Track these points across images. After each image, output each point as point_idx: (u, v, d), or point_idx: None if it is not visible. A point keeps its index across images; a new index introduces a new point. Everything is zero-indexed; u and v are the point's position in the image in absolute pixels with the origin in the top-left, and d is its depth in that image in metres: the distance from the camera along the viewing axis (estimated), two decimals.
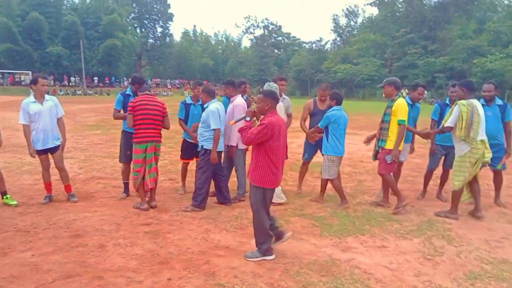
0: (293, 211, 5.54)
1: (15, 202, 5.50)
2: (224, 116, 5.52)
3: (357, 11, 68.72)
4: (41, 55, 50.45)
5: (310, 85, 57.67)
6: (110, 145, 11.01)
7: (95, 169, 7.99)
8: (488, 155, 5.19)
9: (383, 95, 5.83)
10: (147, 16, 68.56)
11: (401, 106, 5.35)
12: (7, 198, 5.52)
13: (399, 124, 5.34)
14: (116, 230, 4.68)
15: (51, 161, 5.72)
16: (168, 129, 5.64)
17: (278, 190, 5.68)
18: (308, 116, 6.36)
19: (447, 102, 6.18)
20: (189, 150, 6.12)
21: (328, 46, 66.53)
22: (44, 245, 4.16)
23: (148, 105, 5.28)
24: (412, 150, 6.51)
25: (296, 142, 11.54)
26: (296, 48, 72.44)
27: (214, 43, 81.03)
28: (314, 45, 62.51)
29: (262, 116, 3.96)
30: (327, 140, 5.66)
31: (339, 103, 5.69)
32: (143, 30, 68.85)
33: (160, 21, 69.19)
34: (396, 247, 4.41)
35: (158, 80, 61.47)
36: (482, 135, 5.12)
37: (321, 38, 66.12)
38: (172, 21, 70.14)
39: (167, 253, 4.07)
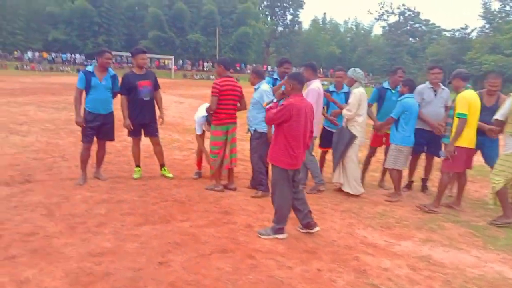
0: (445, 216, 4.98)
1: (171, 175, 6.03)
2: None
3: None
4: (182, 41, 55.42)
5: (449, 77, 52.27)
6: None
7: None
8: None
9: (453, 89, 5.29)
10: (279, 4, 69.78)
11: (461, 98, 4.94)
12: (165, 170, 6.09)
13: (457, 117, 4.89)
14: (260, 212, 4.79)
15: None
16: (245, 109, 5.60)
17: (356, 179, 5.45)
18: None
19: (386, 86, 6.04)
20: (328, 138, 5.94)
21: (473, 34, 59.19)
22: (199, 218, 4.46)
23: (231, 88, 5.23)
24: None
25: None
26: (435, 36, 66.06)
27: (343, 31, 78.86)
28: (457, 33, 56.26)
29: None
30: (396, 129, 5.45)
31: (411, 90, 5.49)
32: (274, 18, 70.37)
33: (291, 9, 69.82)
34: None
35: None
36: None
37: (466, 26, 58.79)
38: (302, 8, 70.23)
39: (313, 242, 4.00)
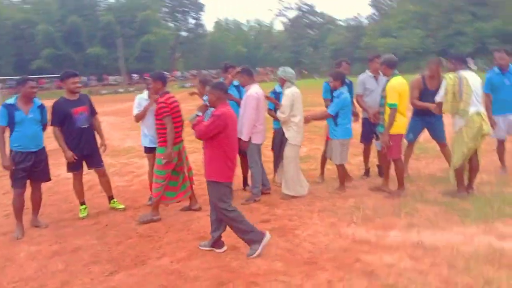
0: (414, 198, 5.09)
1: (122, 206, 5.40)
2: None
3: None
4: (82, 57, 51.75)
5: (350, 63, 55.92)
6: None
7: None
8: (486, 127, 4.85)
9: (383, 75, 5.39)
10: (179, 8, 68.64)
11: (390, 88, 5.01)
12: (114, 202, 5.43)
13: (388, 107, 4.99)
14: None
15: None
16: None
17: (295, 181, 5.35)
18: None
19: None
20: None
21: (365, 21, 64.11)
22: (176, 250, 3.99)
23: (176, 103, 4.79)
24: None
25: None
26: (331, 27, 70.34)
27: (247, 30, 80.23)
28: (352, 22, 60.45)
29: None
30: (336, 124, 5.43)
31: (343, 83, 5.44)
32: (176, 23, 69.07)
33: (192, 13, 69.11)
34: None
35: (195, 71, 61.60)
36: (476, 107, 4.79)
37: (359, 14, 63.51)
38: (203, 11, 70.07)
39: (308, 252, 3.79)
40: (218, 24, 77.34)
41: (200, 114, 3.83)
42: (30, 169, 4.65)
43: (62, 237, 4.52)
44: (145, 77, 55.30)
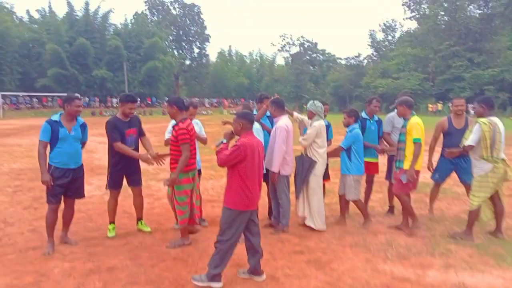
0: (444, 238, 5.11)
1: (149, 229, 5.38)
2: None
3: (395, 25, 67.73)
4: (87, 78, 52.24)
5: (349, 101, 56.90)
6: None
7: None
8: (510, 173, 4.97)
9: (398, 115, 5.60)
10: (185, 38, 70.18)
11: (414, 124, 5.19)
12: (142, 224, 5.41)
13: (414, 142, 5.13)
14: (273, 259, 4.43)
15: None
16: None
17: (319, 214, 5.39)
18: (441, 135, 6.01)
19: (364, 116, 6.10)
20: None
21: (365, 61, 65.66)
22: None
23: (194, 130, 4.78)
24: None
25: None
26: (331, 64, 72.06)
27: (249, 62, 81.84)
28: (352, 61, 61.95)
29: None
30: (350, 160, 5.54)
31: (357, 120, 5.66)
32: (181, 51, 70.42)
33: (197, 42, 70.63)
34: None
35: (197, 99, 62.26)
36: (502, 154, 4.99)
37: (359, 54, 65.07)
38: (208, 42, 71.47)
39: (350, 287, 3.77)
40: (221, 54, 78.88)
41: (225, 141, 3.92)
42: (67, 185, 4.66)
43: (94, 255, 4.48)
44: (148, 102, 55.96)
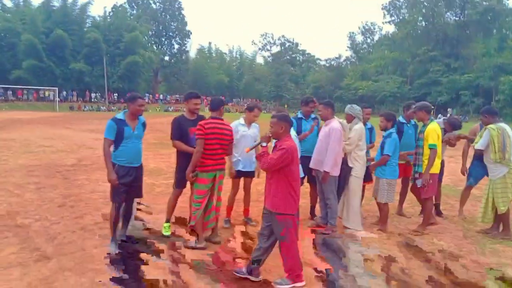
0: (484, 238, 5.40)
1: (168, 233, 5.13)
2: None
3: (374, 29, 69.40)
4: (64, 71, 50.70)
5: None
6: None
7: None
8: None
9: (417, 119, 5.92)
10: (165, 33, 69.30)
11: (431, 130, 5.43)
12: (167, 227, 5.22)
13: (430, 148, 5.39)
14: None
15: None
16: (230, 154, 5.14)
17: (357, 215, 5.60)
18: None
19: (402, 120, 6.25)
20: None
21: (344, 63, 66.91)
22: None
23: (218, 130, 4.68)
24: None
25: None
26: (311, 65, 72.99)
27: (229, 60, 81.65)
28: (333, 62, 63.02)
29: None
30: (385, 164, 5.64)
31: (394, 124, 5.80)
32: (160, 47, 69.48)
33: (177, 38, 69.88)
34: None
35: (178, 96, 61.56)
36: None
37: (339, 55, 66.35)
38: (189, 38, 70.89)
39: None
40: (201, 51, 78.30)
41: (264, 144, 3.88)
42: (130, 184, 4.63)
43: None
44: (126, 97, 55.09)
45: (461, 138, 6.31)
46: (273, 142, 4.00)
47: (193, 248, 4.67)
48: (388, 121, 5.71)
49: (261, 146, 3.89)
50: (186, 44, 71.19)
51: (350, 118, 5.74)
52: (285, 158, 3.64)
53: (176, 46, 70.21)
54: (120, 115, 4.63)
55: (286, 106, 61.13)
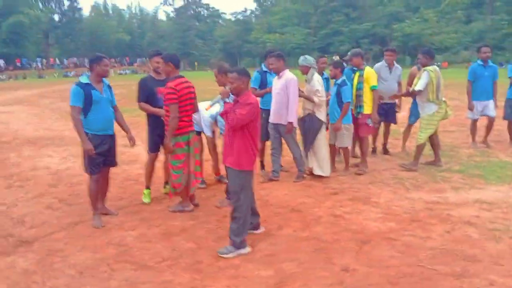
0: (435, 168, 6.07)
1: (148, 200, 4.99)
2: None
3: None
4: None
5: (239, 56, 57.82)
6: None
7: None
8: (450, 112, 6.17)
9: (352, 65, 6.27)
10: None
11: (371, 73, 6.03)
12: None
13: (372, 90, 5.97)
14: (318, 201, 4.85)
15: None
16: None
17: (327, 161, 5.86)
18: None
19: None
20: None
21: (252, 16, 66.64)
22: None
23: (188, 90, 4.42)
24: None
25: None
26: (216, 19, 71.45)
27: (128, 17, 76.09)
28: (239, 16, 62.29)
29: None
30: (340, 110, 5.85)
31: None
32: (48, 4, 61.93)
33: None
34: None
35: (76, 59, 56.34)
36: (443, 96, 6.05)
37: (246, 9, 65.66)
38: None
39: (404, 213, 4.44)
40: (96, 8, 71.72)
41: (227, 100, 3.72)
42: (106, 152, 4.31)
43: (149, 221, 4.35)
44: (18, 64, 48.55)
45: (403, 95, 6.67)
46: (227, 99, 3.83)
47: (181, 211, 4.59)
48: (336, 69, 5.89)
49: (225, 102, 3.74)
50: (77, 0, 64.43)
51: (306, 70, 5.78)
52: (252, 113, 3.50)
53: (67, 3, 63.31)
54: (83, 79, 4.18)
55: (196, 63, 59.84)
